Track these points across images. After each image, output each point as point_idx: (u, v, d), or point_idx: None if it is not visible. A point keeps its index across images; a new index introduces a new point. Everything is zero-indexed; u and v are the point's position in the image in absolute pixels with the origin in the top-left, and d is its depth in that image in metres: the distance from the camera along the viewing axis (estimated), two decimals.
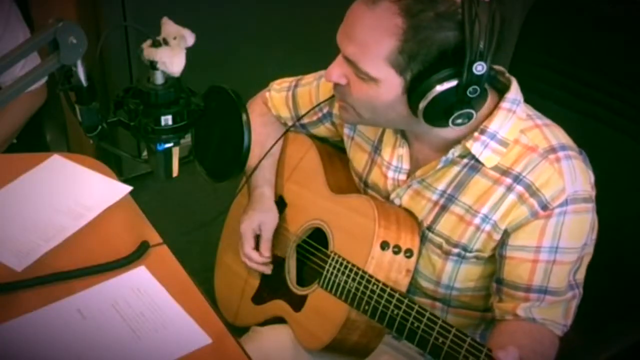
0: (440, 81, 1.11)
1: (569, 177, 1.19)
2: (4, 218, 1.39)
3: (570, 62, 1.50)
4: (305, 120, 1.51)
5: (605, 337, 1.37)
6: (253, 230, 1.48)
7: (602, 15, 1.47)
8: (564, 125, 1.26)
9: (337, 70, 1.21)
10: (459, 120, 1.15)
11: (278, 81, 1.56)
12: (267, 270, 1.48)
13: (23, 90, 1.01)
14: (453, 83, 1.11)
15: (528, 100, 1.26)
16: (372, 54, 1.14)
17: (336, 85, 1.23)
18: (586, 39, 1.49)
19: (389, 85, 1.15)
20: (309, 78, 1.50)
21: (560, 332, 1.25)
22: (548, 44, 1.54)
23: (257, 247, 1.49)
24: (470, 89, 1.11)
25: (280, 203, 1.52)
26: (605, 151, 1.32)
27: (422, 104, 1.14)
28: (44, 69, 1.00)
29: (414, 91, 1.14)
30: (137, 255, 1.30)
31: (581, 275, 1.26)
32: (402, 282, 1.29)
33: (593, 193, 1.23)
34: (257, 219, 1.48)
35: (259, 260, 1.48)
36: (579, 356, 1.34)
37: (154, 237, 1.36)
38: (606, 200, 1.25)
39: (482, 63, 1.09)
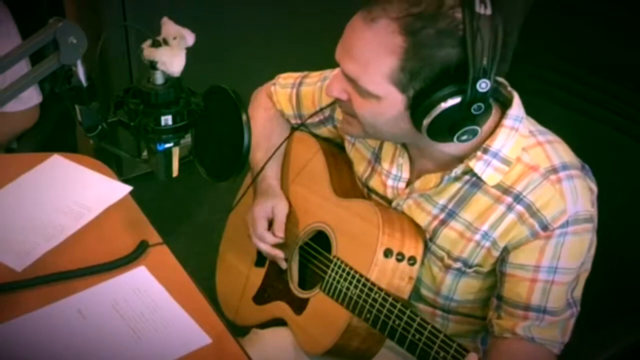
0: (444, 98, 1.08)
1: (570, 198, 1.17)
2: (4, 218, 1.39)
3: (570, 62, 1.50)
4: (307, 121, 1.50)
5: (604, 338, 1.37)
6: (266, 214, 1.46)
7: (602, 15, 1.47)
8: (562, 125, 1.26)
9: (337, 86, 1.19)
10: (464, 137, 1.13)
11: (284, 75, 1.55)
12: (280, 254, 1.45)
13: (23, 90, 1.01)
14: (457, 100, 1.08)
15: (528, 100, 1.25)
16: (373, 72, 1.11)
17: (338, 99, 1.22)
18: (586, 38, 1.49)
19: (391, 102, 1.13)
20: (314, 77, 1.49)
21: (557, 351, 1.24)
22: (548, 44, 1.54)
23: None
24: (475, 106, 1.09)
25: None
26: (605, 151, 1.32)
27: (426, 121, 1.11)
28: (44, 69, 1.00)
29: (417, 108, 1.11)
30: (137, 254, 1.30)
31: (579, 292, 1.25)
32: (405, 289, 1.28)
33: (594, 212, 1.21)
34: (269, 204, 1.47)
35: (272, 240, 1.45)
36: (578, 356, 1.34)
37: (154, 236, 1.36)
38: (606, 201, 1.24)
39: (486, 80, 1.06)
